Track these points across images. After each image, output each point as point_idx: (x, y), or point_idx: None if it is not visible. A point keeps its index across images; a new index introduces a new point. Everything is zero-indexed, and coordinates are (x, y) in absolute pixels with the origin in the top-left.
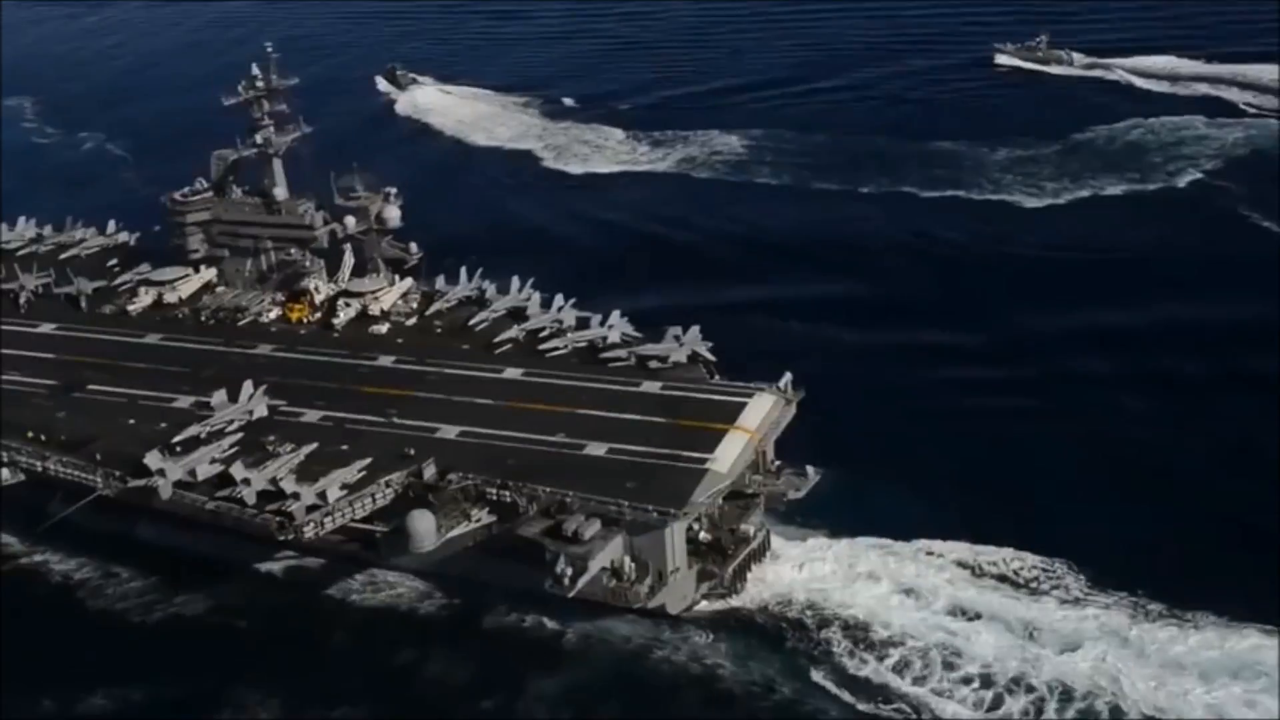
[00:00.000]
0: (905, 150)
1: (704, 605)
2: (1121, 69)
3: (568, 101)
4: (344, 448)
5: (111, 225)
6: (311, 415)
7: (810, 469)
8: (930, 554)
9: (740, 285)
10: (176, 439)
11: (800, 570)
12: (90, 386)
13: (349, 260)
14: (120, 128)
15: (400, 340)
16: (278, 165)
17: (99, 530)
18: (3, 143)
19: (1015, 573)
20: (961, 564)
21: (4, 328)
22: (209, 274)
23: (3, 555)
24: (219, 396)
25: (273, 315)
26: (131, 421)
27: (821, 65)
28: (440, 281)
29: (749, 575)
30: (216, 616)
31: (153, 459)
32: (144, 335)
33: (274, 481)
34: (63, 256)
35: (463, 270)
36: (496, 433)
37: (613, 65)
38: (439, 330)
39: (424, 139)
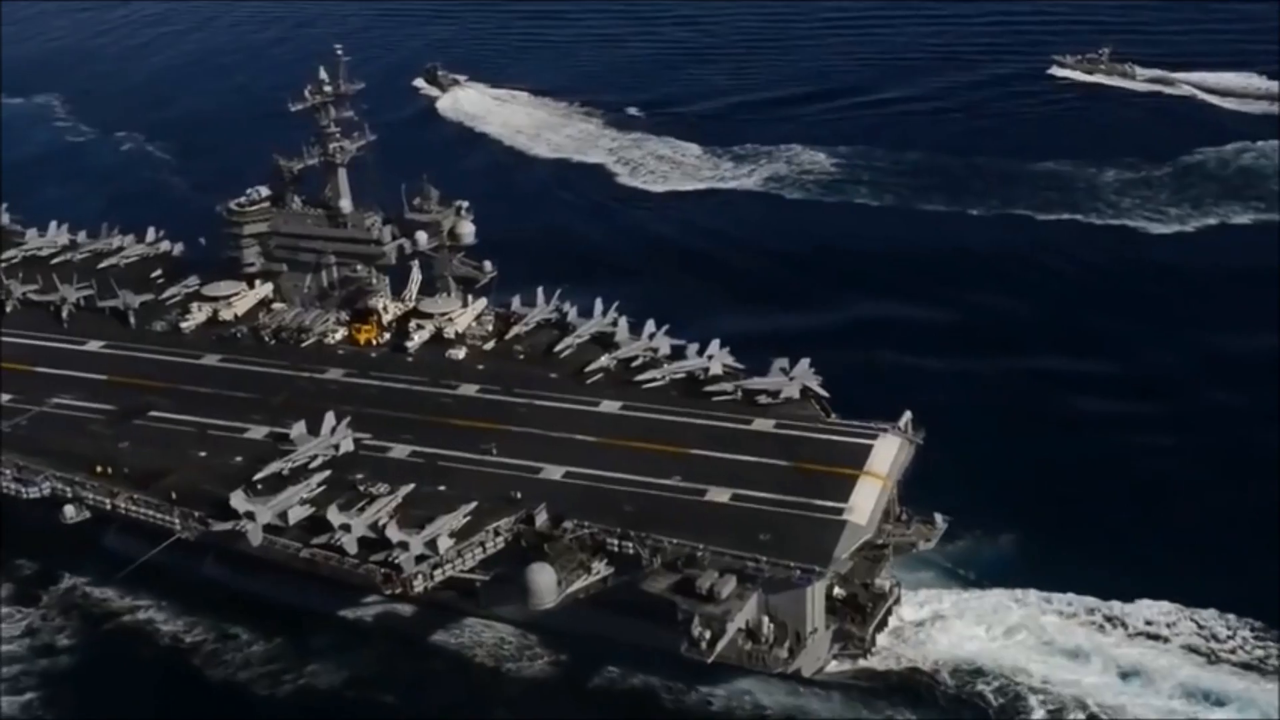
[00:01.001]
0: (1007, 169)
1: (834, 666)
2: (1188, 84)
3: (632, 111)
4: (441, 488)
5: (151, 233)
6: (399, 450)
7: (938, 516)
8: (1111, 619)
9: (847, 313)
10: (258, 476)
11: (974, 631)
12: (152, 413)
13: (416, 277)
14: (162, 129)
15: (481, 367)
16: (343, 175)
17: (167, 567)
18: (36, 143)
19: (1259, 662)
20: (1153, 634)
21: (49, 344)
22: (265, 289)
23: (103, 611)
24: (299, 429)
25: (339, 336)
26: (203, 454)
27: (878, 73)
28: (516, 303)
29: (882, 632)
30: (356, 690)
31: (238, 500)
32: (201, 356)
33: (375, 527)
34: (101, 266)
35: (539, 291)
36: (605, 474)
37: (669, 70)
38: (521, 356)
39: (477, 146)
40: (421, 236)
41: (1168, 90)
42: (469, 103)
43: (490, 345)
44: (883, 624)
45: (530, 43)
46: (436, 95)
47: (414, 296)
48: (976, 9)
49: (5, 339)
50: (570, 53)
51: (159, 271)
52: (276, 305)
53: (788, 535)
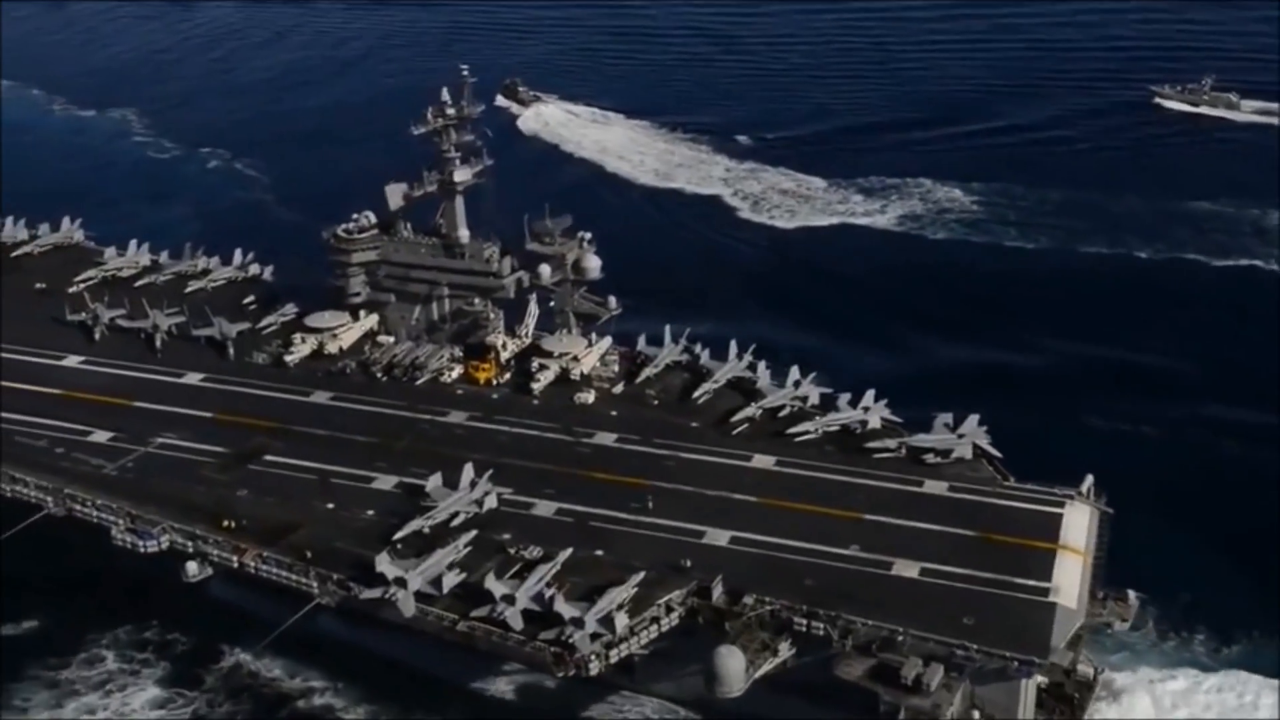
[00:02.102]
0: (1163, 209)
1: None
2: None
3: (741, 138)
4: (598, 553)
5: (238, 255)
6: (543, 507)
7: (1131, 593)
8: None
9: (1007, 362)
10: (398, 536)
11: None
12: (266, 457)
13: (534, 312)
14: (249, 146)
15: (614, 413)
16: (460, 203)
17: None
18: (116, 159)
19: None
20: None
21: (144, 375)
22: (369, 320)
23: (275, 693)
24: (434, 481)
25: (455, 374)
26: (330, 506)
27: (983, 98)
28: (641, 342)
29: None
30: None
31: (386, 566)
32: (310, 393)
33: (540, 599)
34: (188, 290)
35: (666, 330)
36: (776, 541)
37: (766, 92)
38: (655, 402)
39: (572, 170)
40: (545, 269)
41: (1274, 120)
42: (557, 122)
43: (619, 388)
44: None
45: (619, 60)
46: (518, 112)
47: (530, 332)
48: (1062, 35)
49: (97, 369)
50: (662, 72)
51: (251, 298)
52: (382, 338)
53: (993, 619)
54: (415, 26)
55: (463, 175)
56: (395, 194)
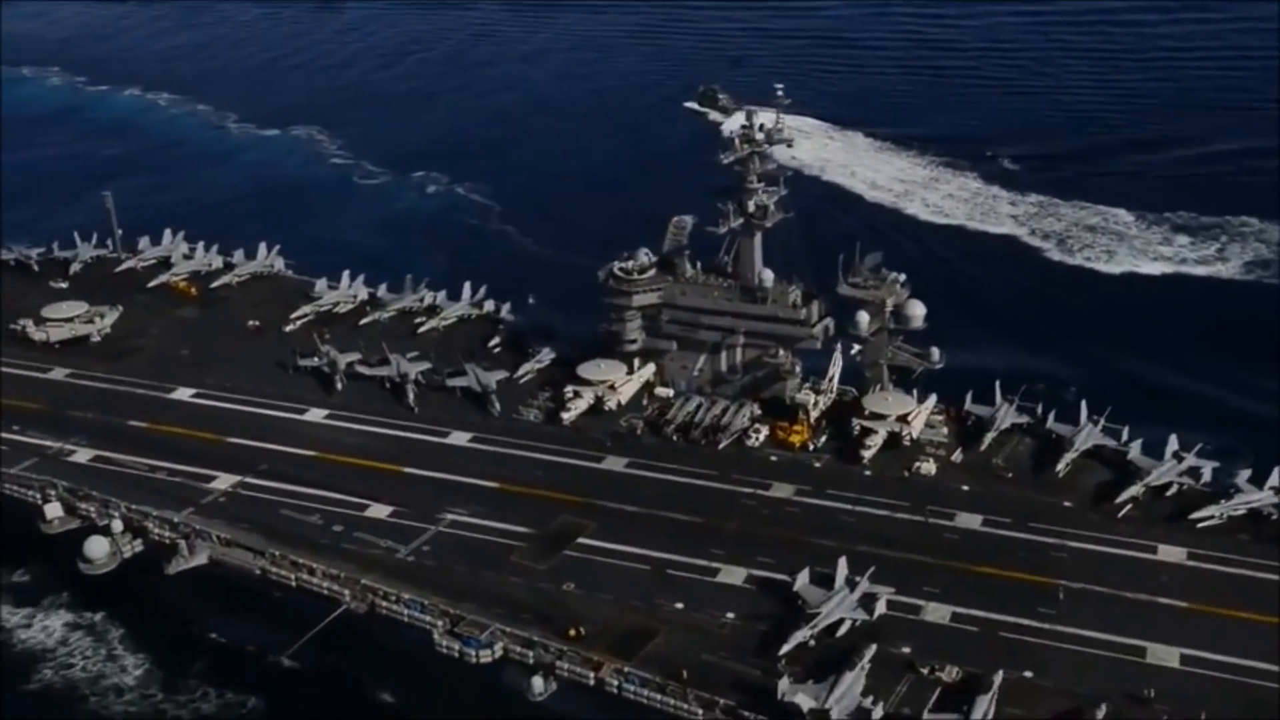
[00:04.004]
0: None
1: None
2: None
3: (1007, 164)
4: (1027, 675)
5: (467, 289)
6: (934, 611)
7: None
8: None
9: None
10: (784, 650)
11: None
12: (581, 540)
13: (839, 362)
14: (468, 171)
15: (965, 488)
16: (758, 240)
17: None
18: (318, 182)
19: None
20: None
21: (404, 435)
22: (647, 371)
23: None
24: (803, 579)
25: (762, 437)
26: (679, 606)
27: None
28: (968, 400)
29: None
30: None
31: (799, 696)
32: (602, 458)
33: None
34: (419, 329)
35: (996, 386)
36: (1238, 662)
37: (998, 102)
38: (1008, 475)
39: (814, 194)
40: (863, 317)
41: None
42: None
43: (958, 456)
44: None
45: (825, 68)
46: (719, 120)
47: (835, 387)
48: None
49: (347, 425)
50: (879, 80)
51: (496, 340)
52: (660, 390)
53: None
54: (601, 35)
55: (770, 207)
56: (681, 229)
